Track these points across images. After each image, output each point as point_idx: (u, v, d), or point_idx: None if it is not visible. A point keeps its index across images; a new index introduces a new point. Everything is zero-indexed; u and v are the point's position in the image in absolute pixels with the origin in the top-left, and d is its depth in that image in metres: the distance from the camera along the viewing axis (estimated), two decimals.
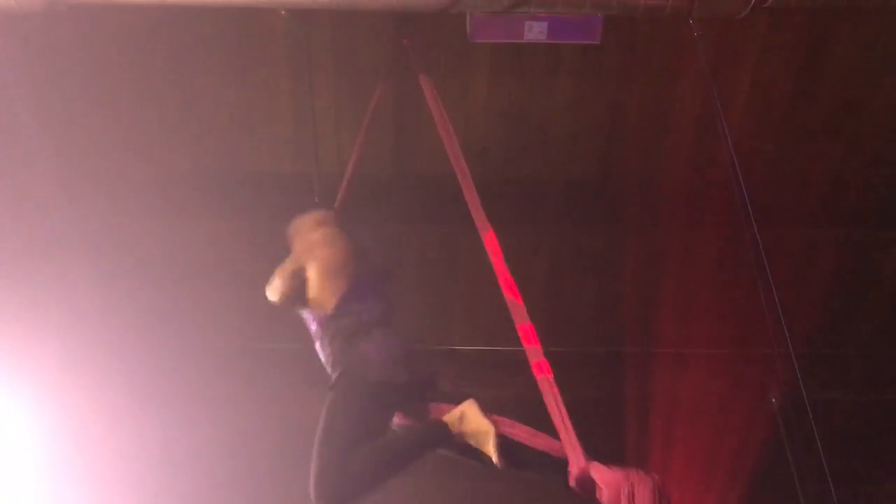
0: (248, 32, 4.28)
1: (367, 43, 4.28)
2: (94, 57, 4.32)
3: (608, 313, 5.33)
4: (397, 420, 3.03)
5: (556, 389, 2.66)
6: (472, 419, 2.81)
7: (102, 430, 5.35)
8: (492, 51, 4.33)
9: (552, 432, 2.70)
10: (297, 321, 3.62)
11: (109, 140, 4.63)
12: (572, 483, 2.57)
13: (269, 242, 3.66)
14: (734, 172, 3.56)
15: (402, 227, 4.94)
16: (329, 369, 3.14)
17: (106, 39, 4.25)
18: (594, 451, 2.61)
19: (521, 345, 2.84)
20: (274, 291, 3.23)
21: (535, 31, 3.70)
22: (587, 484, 2.55)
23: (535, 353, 2.77)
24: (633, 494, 2.46)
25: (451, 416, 2.86)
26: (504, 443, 2.75)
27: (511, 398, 3.07)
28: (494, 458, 2.73)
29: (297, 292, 3.23)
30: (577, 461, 2.56)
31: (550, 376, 2.69)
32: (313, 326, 3.23)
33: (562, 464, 2.61)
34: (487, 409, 2.86)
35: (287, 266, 3.26)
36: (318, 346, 3.23)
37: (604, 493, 2.51)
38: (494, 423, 2.79)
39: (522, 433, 2.81)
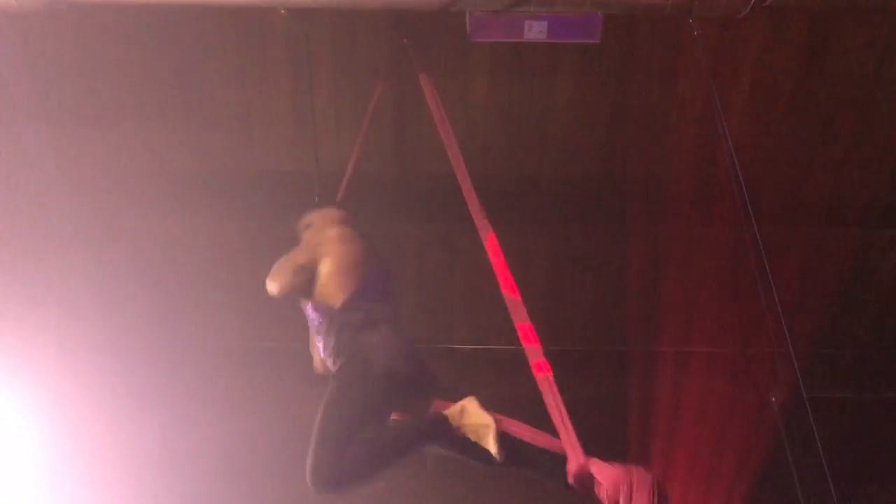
0: (248, 31, 4.28)
1: (367, 42, 4.28)
2: (94, 56, 4.33)
3: (608, 313, 5.33)
4: (395, 418, 3.04)
5: (555, 388, 2.67)
6: (472, 413, 2.82)
7: (101, 429, 5.35)
8: (491, 50, 4.33)
9: (552, 432, 2.70)
10: (296, 320, 3.63)
11: (108, 139, 4.63)
12: (571, 479, 2.58)
13: (268, 241, 3.66)
14: (734, 172, 3.56)
15: (402, 226, 4.94)
16: (331, 361, 3.15)
17: (106, 38, 4.25)
18: (593, 450, 2.62)
19: (520, 344, 2.85)
20: (276, 283, 3.25)
21: (534, 31, 3.69)
22: (586, 481, 2.56)
23: (534, 353, 2.78)
24: (631, 490, 2.48)
25: (452, 410, 2.88)
26: (504, 437, 2.76)
27: (511, 397, 3.07)
28: (494, 451, 2.74)
29: (301, 285, 3.26)
30: (576, 458, 2.57)
31: (550, 375, 2.70)
32: (316, 318, 3.24)
33: (561, 460, 2.62)
34: (488, 407, 2.87)
35: (298, 258, 3.28)
36: (318, 338, 3.24)
37: (602, 489, 2.52)
38: (495, 418, 2.80)
39: (522, 431, 2.82)
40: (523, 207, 4.81)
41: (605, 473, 2.53)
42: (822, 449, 3.44)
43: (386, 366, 2.96)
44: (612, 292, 5.26)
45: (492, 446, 2.74)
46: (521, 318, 2.88)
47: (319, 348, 3.25)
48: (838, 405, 5.51)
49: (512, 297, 2.94)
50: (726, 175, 3.69)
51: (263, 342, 5.36)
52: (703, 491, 5.41)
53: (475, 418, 2.80)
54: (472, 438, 2.80)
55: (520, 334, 2.85)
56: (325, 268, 3.24)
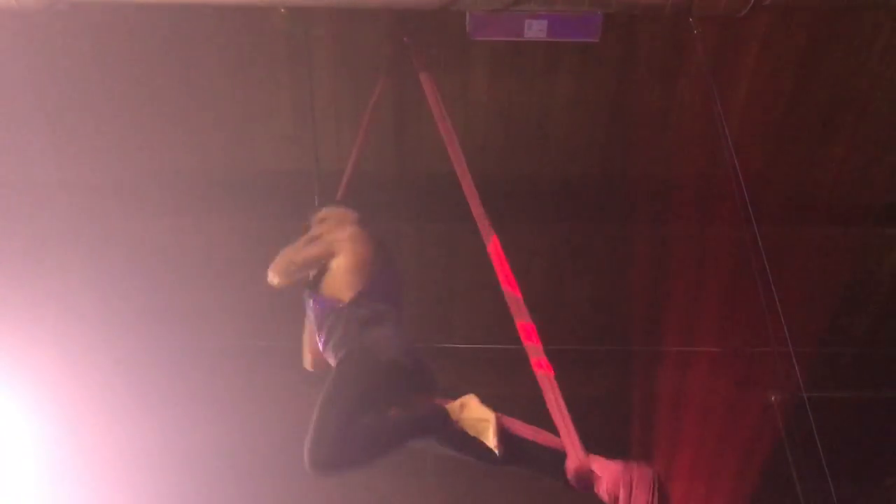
0: (248, 30, 4.28)
1: (367, 40, 4.28)
2: (94, 54, 4.32)
3: (608, 312, 5.34)
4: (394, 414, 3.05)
5: (555, 385, 2.67)
6: (473, 408, 2.83)
7: (101, 428, 5.35)
8: (491, 49, 4.33)
9: (552, 432, 2.70)
10: (296, 319, 3.63)
11: (108, 138, 4.63)
12: (570, 476, 2.57)
13: (268, 239, 3.66)
14: (734, 171, 3.57)
15: (402, 224, 4.94)
16: (332, 354, 3.17)
17: (106, 37, 4.25)
18: (593, 449, 2.61)
19: (520, 344, 2.85)
20: (280, 273, 3.30)
21: (534, 30, 3.69)
22: (586, 478, 2.56)
23: (535, 351, 2.78)
24: (632, 485, 2.47)
25: (452, 404, 2.89)
26: (503, 433, 2.76)
27: (510, 397, 3.07)
28: (494, 445, 2.73)
29: (304, 278, 3.32)
30: (576, 455, 2.57)
31: (551, 373, 2.70)
32: (321, 312, 3.25)
33: (561, 457, 2.62)
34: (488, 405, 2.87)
35: (311, 251, 3.34)
36: (319, 331, 3.24)
37: (603, 484, 2.52)
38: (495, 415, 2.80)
39: (522, 429, 2.81)
40: (522, 206, 4.81)
41: (605, 469, 2.53)
42: (822, 448, 3.45)
43: (390, 357, 2.98)
44: (611, 292, 5.26)
45: (491, 440, 2.74)
46: (522, 317, 2.88)
47: (319, 342, 3.26)
48: (838, 405, 5.51)
49: (513, 295, 2.94)
50: (726, 174, 3.69)
51: (263, 341, 5.36)
52: (703, 490, 5.41)
53: (475, 412, 2.81)
54: (472, 433, 2.80)
55: (521, 332, 2.86)
56: (338, 264, 3.27)
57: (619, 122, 4.63)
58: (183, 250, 5.06)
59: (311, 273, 3.38)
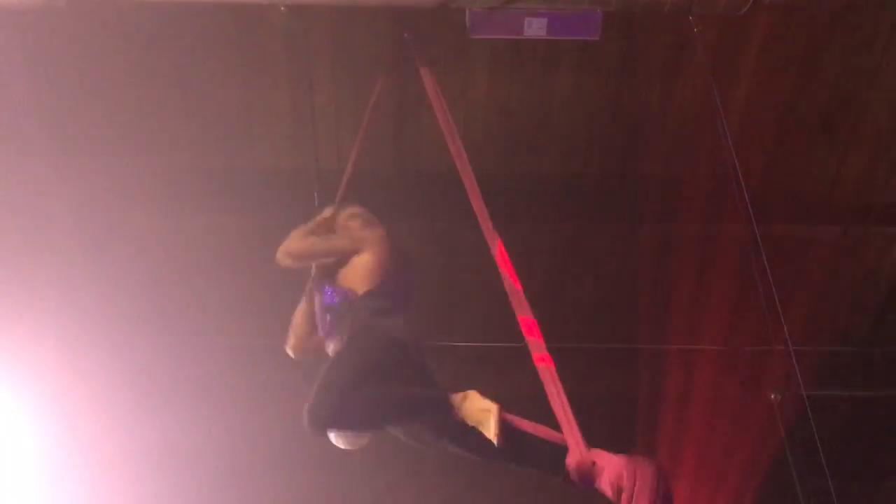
0: (248, 28, 4.28)
1: (367, 38, 4.27)
2: (93, 53, 4.32)
3: (608, 310, 5.33)
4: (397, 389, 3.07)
5: (557, 378, 2.67)
6: (475, 399, 2.83)
7: (102, 426, 5.35)
8: (491, 47, 4.32)
9: (554, 428, 2.70)
10: None
11: (108, 136, 4.62)
12: (571, 469, 2.57)
13: (268, 239, 3.65)
14: (734, 170, 3.56)
15: (403, 222, 4.93)
16: (339, 337, 3.19)
17: (105, 35, 4.24)
18: (595, 445, 2.61)
19: (521, 341, 2.85)
20: (295, 256, 3.37)
21: (534, 28, 3.68)
22: (587, 472, 2.55)
23: (537, 346, 2.79)
24: (634, 478, 2.47)
25: (455, 395, 2.89)
26: (504, 424, 2.75)
27: (511, 395, 3.06)
28: (493, 435, 2.72)
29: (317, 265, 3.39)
30: (577, 448, 2.57)
31: (552, 366, 2.70)
32: (331, 298, 3.28)
33: (562, 451, 2.61)
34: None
35: (337, 243, 3.40)
36: (328, 316, 3.28)
37: (605, 477, 2.51)
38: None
39: (523, 424, 2.80)
40: (522, 204, 4.81)
41: (608, 461, 2.53)
42: (821, 448, 3.44)
43: (399, 338, 3.05)
44: (611, 290, 5.26)
45: (491, 430, 2.72)
46: (523, 311, 2.89)
47: (322, 328, 3.31)
48: (838, 404, 5.51)
49: (514, 290, 2.94)
50: (726, 173, 3.69)
51: (263, 340, 5.34)
52: (703, 488, 5.40)
53: (478, 404, 2.81)
54: (472, 423, 2.79)
55: (522, 327, 2.85)
56: (361, 260, 3.31)
57: (619, 120, 4.63)
58: (183, 250, 5.06)
59: (322, 263, 3.42)
